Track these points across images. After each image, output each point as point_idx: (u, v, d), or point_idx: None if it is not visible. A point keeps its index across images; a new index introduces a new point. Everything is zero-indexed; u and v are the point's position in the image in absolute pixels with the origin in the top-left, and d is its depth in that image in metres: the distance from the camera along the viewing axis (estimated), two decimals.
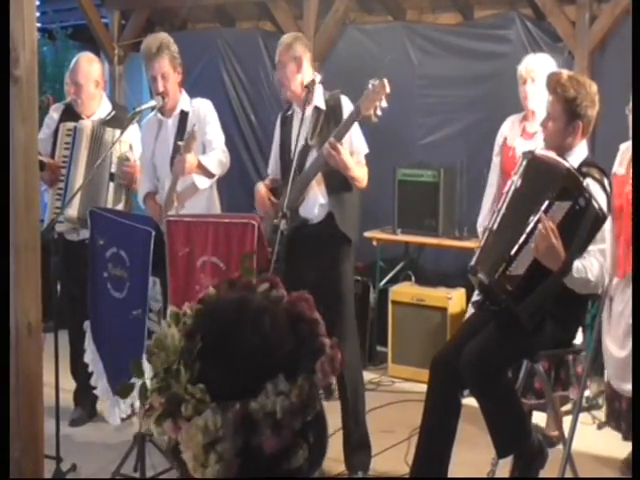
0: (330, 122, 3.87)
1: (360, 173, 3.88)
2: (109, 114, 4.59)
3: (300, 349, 1.64)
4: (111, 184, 4.44)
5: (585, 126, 3.36)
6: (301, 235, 3.82)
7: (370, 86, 3.69)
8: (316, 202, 3.92)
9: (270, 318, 1.61)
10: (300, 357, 1.63)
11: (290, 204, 3.67)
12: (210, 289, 1.89)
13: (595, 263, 3.20)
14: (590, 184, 3.24)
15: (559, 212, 3.09)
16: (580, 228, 3.12)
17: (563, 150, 3.36)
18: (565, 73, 3.47)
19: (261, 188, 4.10)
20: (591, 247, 3.20)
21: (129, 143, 4.44)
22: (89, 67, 4.57)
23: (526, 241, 3.13)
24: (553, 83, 3.37)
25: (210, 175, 4.16)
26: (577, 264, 3.15)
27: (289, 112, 4.08)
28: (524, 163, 3.35)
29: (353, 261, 4.08)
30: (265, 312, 1.63)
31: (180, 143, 4.04)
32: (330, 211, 3.90)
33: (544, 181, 3.23)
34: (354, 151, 3.89)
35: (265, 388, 1.56)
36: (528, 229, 3.13)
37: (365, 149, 3.95)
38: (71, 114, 4.63)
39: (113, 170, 4.43)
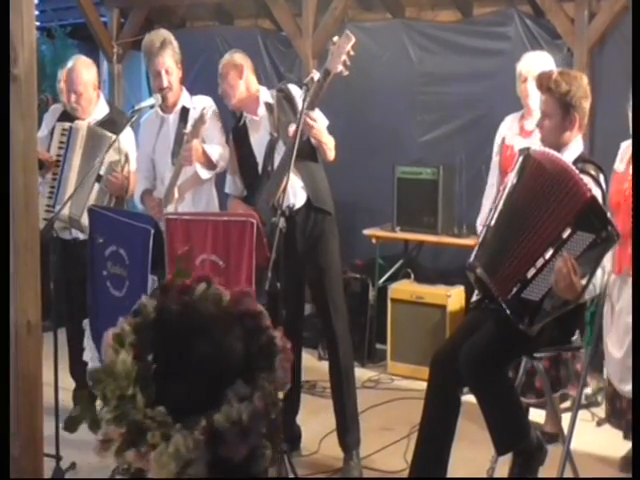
0: (286, 110, 3.95)
1: (332, 143, 3.95)
2: (105, 116, 4.61)
3: (250, 346, 1.57)
4: (96, 185, 4.44)
5: (580, 119, 3.38)
6: (289, 225, 3.80)
7: (332, 44, 3.70)
8: (297, 186, 3.96)
9: (218, 323, 1.53)
10: (252, 355, 1.56)
11: (275, 199, 3.68)
12: (143, 299, 1.78)
13: (599, 273, 3.21)
14: (585, 181, 3.23)
15: (580, 244, 3.05)
16: (599, 260, 3.10)
17: (559, 146, 3.37)
18: (555, 70, 3.50)
19: (236, 200, 4.15)
20: None
21: (125, 152, 4.41)
22: (88, 74, 4.60)
23: (544, 266, 3.09)
24: (545, 81, 3.39)
25: (212, 166, 4.18)
26: (589, 286, 3.14)
27: (241, 122, 4.12)
28: (520, 160, 3.35)
29: (337, 235, 4.11)
30: (211, 318, 1.54)
31: (185, 131, 4.07)
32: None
33: (560, 199, 3.12)
34: None
35: (227, 396, 1.49)
36: (547, 255, 3.07)
37: (326, 121, 3.98)
38: (69, 114, 4.65)
39: (102, 172, 4.42)
